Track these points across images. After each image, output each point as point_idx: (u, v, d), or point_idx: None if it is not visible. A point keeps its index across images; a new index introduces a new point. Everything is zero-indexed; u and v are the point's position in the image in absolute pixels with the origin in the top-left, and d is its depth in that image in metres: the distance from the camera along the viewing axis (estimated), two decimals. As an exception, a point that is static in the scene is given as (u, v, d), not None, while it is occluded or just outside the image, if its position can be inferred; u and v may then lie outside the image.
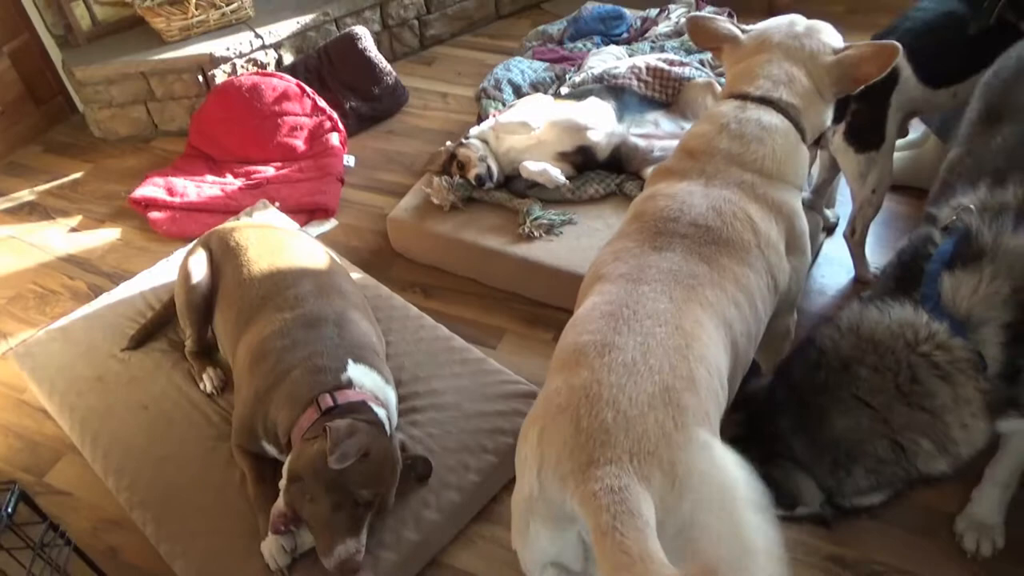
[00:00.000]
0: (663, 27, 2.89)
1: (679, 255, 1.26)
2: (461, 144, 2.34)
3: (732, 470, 0.99)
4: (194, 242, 1.99)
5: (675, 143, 2.28)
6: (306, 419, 1.52)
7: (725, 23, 1.55)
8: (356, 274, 2.12)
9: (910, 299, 1.18)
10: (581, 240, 2.13)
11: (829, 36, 1.49)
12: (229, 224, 2.01)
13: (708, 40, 1.56)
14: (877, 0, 3.40)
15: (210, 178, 2.73)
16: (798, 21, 1.51)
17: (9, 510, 1.02)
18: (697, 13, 1.56)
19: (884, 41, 1.41)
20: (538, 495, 1.01)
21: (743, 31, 1.54)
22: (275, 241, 1.91)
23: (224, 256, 1.89)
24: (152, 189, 2.67)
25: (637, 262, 1.25)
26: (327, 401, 1.52)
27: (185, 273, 1.89)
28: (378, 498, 1.48)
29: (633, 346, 1.07)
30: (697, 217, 1.30)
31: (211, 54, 2.84)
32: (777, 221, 1.36)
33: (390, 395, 1.66)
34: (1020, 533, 1.56)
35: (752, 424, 1.33)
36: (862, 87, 1.46)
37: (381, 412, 1.57)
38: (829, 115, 1.49)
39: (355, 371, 1.61)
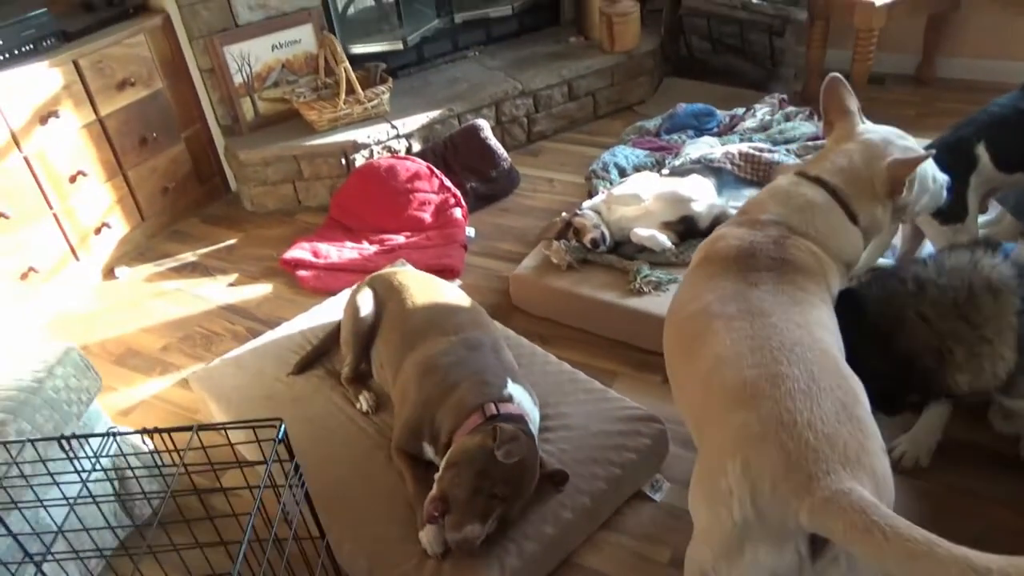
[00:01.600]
0: (750, 123, 3.25)
1: (772, 286, 1.42)
2: (576, 214, 2.68)
3: None
4: (359, 284, 2.32)
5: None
6: (471, 423, 1.76)
7: (854, 100, 1.72)
8: (489, 318, 2.42)
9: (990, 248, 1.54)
10: (688, 294, 2.39)
11: (899, 151, 1.63)
12: (390, 269, 2.35)
13: (833, 105, 1.71)
14: (945, 106, 3.72)
15: (349, 244, 3.12)
16: (902, 134, 1.67)
17: (280, 436, 1.29)
18: (838, 75, 1.73)
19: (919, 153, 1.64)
20: (754, 519, 1.10)
21: (863, 120, 1.70)
22: (431, 282, 2.24)
23: (388, 293, 2.21)
24: (300, 252, 3.06)
25: (743, 297, 1.40)
26: (491, 409, 1.78)
27: (354, 307, 2.21)
28: (511, 498, 1.68)
29: (799, 374, 1.20)
30: (769, 252, 1.48)
31: (354, 141, 3.30)
32: (817, 287, 1.49)
33: (536, 415, 1.91)
34: None
35: None
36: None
37: (532, 427, 1.82)
38: (884, 212, 1.62)
39: (514, 389, 1.87)
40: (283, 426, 1.31)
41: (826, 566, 1.12)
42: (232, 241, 3.33)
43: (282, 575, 1.36)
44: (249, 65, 3.35)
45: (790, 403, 1.15)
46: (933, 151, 1.73)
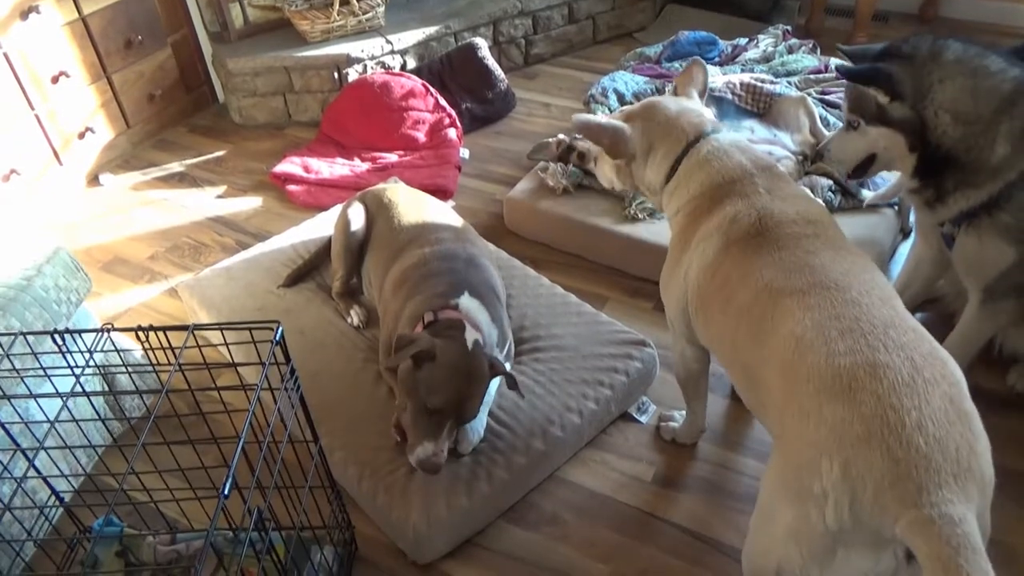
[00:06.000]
0: (752, 53, 3.19)
1: (830, 252, 1.31)
2: (576, 138, 2.64)
3: None
4: (350, 199, 2.29)
5: (769, 147, 2.59)
6: (416, 334, 1.72)
7: (603, 118, 1.69)
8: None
9: None
10: (683, 222, 2.39)
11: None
12: (382, 185, 2.31)
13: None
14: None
15: (340, 160, 3.06)
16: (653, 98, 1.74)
17: (277, 338, 1.29)
18: (578, 115, 1.71)
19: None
20: (851, 526, 1.04)
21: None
22: (421, 199, 2.21)
23: (378, 209, 2.19)
24: (290, 166, 3.00)
25: (811, 269, 1.28)
26: (429, 317, 1.74)
27: (345, 221, 2.18)
28: (451, 407, 1.61)
29: (900, 363, 1.09)
30: (803, 214, 1.39)
31: (347, 54, 3.21)
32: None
33: (493, 333, 1.82)
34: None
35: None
36: None
37: (474, 334, 1.71)
38: None
39: (467, 301, 1.80)
40: (280, 328, 1.30)
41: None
42: (220, 153, 3.26)
43: (276, 476, 1.38)
44: (239, -32, 3.21)
45: (895, 399, 1.05)
46: None
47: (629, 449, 1.94)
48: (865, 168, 1.79)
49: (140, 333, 1.32)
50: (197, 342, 1.36)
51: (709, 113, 1.68)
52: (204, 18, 3.33)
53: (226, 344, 1.45)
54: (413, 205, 2.18)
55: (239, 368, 1.96)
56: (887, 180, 2.35)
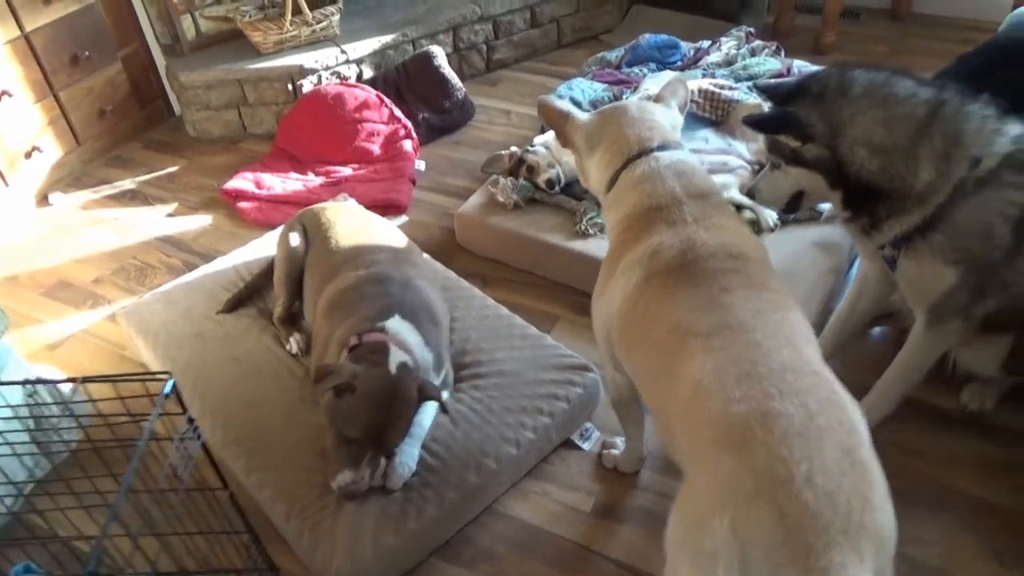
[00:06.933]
0: (714, 56, 3.12)
1: (745, 290, 1.26)
2: (527, 151, 2.57)
3: None
4: (290, 220, 2.23)
5: (723, 158, 2.53)
6: (335, 364, 1.65)
7: (563, 104, 1.67)
8: (426, 258, 2.34)
9: None
10: (633, 238, 2.32)
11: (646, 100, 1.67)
12: (320, 205, 2.25)
13: (553, 117, 1.65)
14: (917, 43, 3.60)
15: (293, 175, 3.00)
16: (621, 102, 1.68)
17: (166, 391, 1.23)
18: (544, 96, 1.72)
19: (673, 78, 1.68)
20: None
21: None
22: (359, 218, 2.15)
23: (315, 231, 2.13)
24: (242, 182, 2.94)
25: (720, 308, 1.23)
26: (352, 340, 1.68)
27: (284, 244, 2.13)
28: (369, 436, 1.56)
29: (794, 410, 1.04)
30: (727, 247, 1.33)
31: (300, 66, 3.14)
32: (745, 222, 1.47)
33: (427, 356, 1.76)
34: None
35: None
36: None
37: (399, 357, 1.66)
38: None
39: (396, 323, 1.73)
40: (171, 381, 1.25)
41: None
42: (173, 168, 3.19)
43: (177, 526, 1.32)
44: (189, -21, 3.15)
45: (786, 451, 1.00)
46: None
47: (570, 479, 1.89)
48: (796, 204, 1.75)
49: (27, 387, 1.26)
50: (89, 395, 1.30)
51: (671, 123, 1.60)
52: (156, 31, 3.27)
53: (120, 398, 1.38)
54: (352, 225, 2.12)
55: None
56: None
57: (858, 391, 1.89)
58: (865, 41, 3.61)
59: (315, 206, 2.25)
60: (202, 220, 2.89)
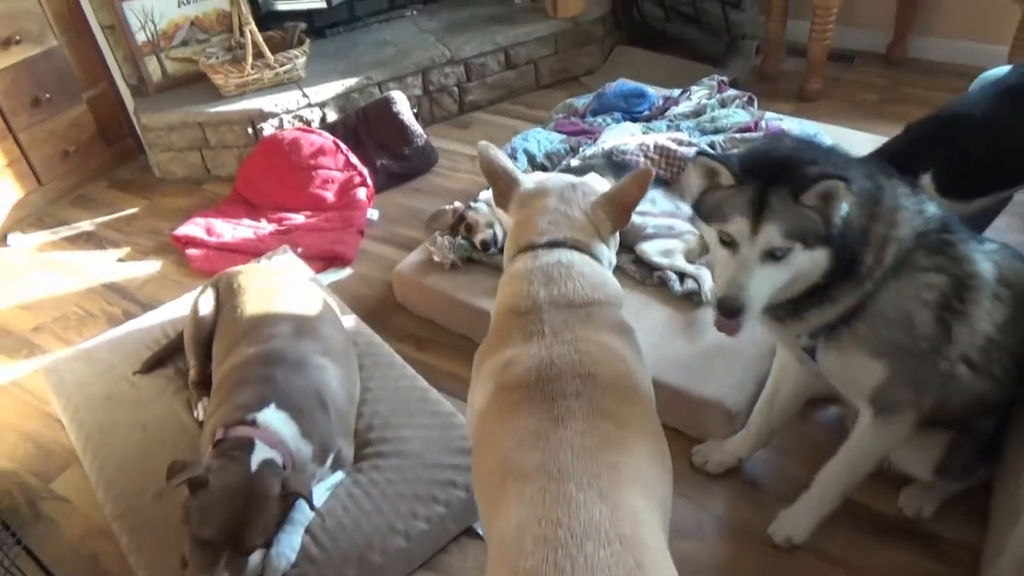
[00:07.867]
0: (683, 107, 3.00)
1: (581, 421, 1.14)
2: (469, 207, 2.49)
3: None
4: (207, 282, 2.18)
5: (669, 221, 2.41)
6: (187, 460, 1.58)
7: (506, 160, 1.47)
8: (350, 321, 2.27)
9: None
10: (565, 307, 2.22)
11: (596, 184, 1.48)
12: (237, 268, 2.19)
13: (493, 173, 1.46)
14: (911, 91, 3.43)
15: (246, 221, 2.96)
16: (570, 178, 1.49)
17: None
18: (488, 144, 1.48)
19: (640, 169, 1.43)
20: None
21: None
22: (272, 286, 2.07)
23: (227, 296, 2.06)
24: (193, 228, 2.91)
25: (547, 445, 1.11)
26: (219, 434, 1.61)
27: (194, 310, 2.07)
28: (223, 538, 1.48)
29: None
30: (578, 367, 1.20)
31: (261, 109, 3.11)
32: (627, 339, 1.32)
33: (304, 449, 1.67)
34: None
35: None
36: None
37: (265, 453, 1.57)
38: (613, 245, 1.47)
39: (270, 415, 1.65)
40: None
41: None
42: (134, 210, 3.18)
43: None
44: (153, 22, 3.14)
45: None
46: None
47: (466, 572, 1.78)
48: None
49: None
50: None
51: (587, 216, 1.40)
52: (123, 72, 3.27)
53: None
54: (263, 291, 2.04)
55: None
56: None
57: (793, 486, 1.78)
58: (853, 87, 3.44)
59: (231, 269, 2.19)
60: (151, 266, 2.86)
